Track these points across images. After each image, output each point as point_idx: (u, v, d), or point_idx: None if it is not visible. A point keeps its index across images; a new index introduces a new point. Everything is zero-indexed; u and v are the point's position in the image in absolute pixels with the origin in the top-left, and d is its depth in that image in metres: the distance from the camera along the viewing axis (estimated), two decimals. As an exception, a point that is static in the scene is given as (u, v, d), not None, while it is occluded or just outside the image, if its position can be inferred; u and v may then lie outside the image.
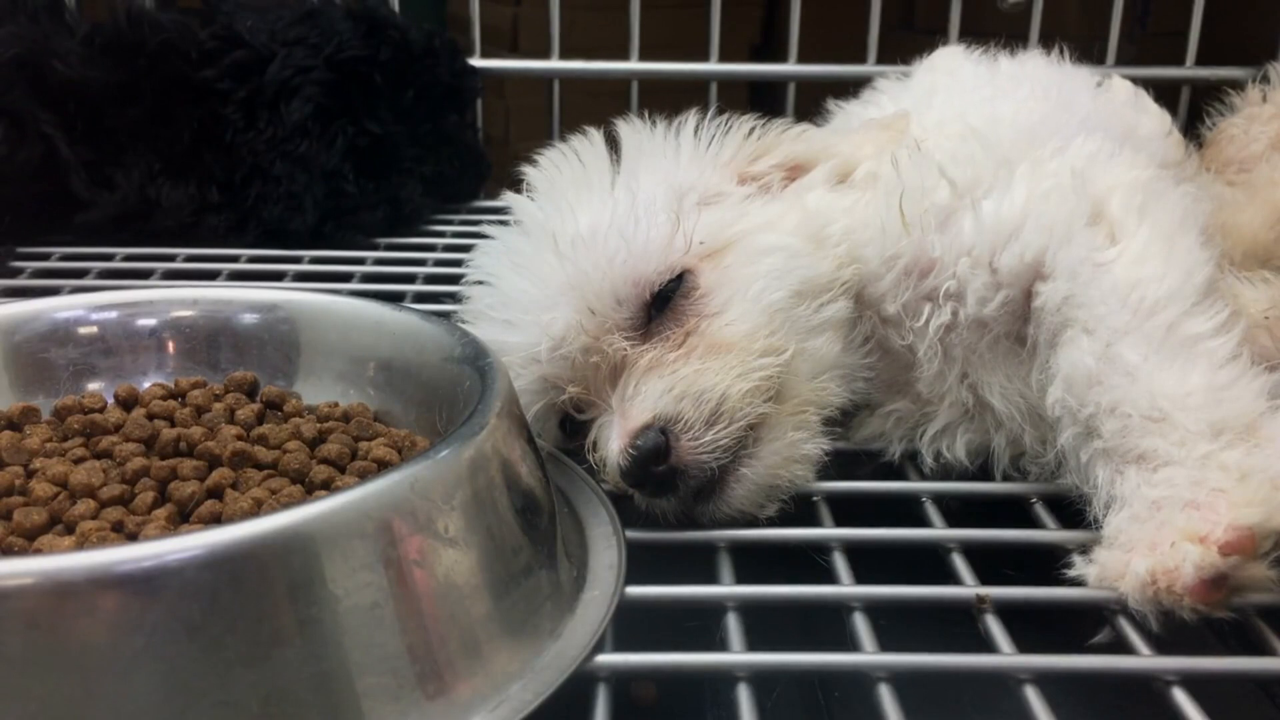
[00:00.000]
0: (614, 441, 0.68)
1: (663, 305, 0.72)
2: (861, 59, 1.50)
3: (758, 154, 0.82)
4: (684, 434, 0.67)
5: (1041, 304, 0.70)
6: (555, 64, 1.54)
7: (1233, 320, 0.67)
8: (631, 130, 0.81)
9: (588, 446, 0.72)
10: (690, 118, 0.82)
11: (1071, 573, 0.63)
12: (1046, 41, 1.15)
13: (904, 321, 0.75)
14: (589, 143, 0.80)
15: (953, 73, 1.05)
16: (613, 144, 0.80)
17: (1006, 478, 0.76)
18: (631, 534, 0.65)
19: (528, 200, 0.79)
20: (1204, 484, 0.60)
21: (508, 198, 0.82)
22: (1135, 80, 1.13)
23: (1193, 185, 0.88)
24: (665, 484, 0.67)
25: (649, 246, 0.72)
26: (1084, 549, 0.64)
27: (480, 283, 0.78)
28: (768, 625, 0.61)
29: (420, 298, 1.08)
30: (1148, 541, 0.60)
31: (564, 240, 0.72)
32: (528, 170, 0.81)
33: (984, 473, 0.76)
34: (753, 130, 0.83)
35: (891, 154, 0.78)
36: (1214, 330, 0.66)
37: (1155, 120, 1.07)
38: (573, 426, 0.74)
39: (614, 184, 0.76)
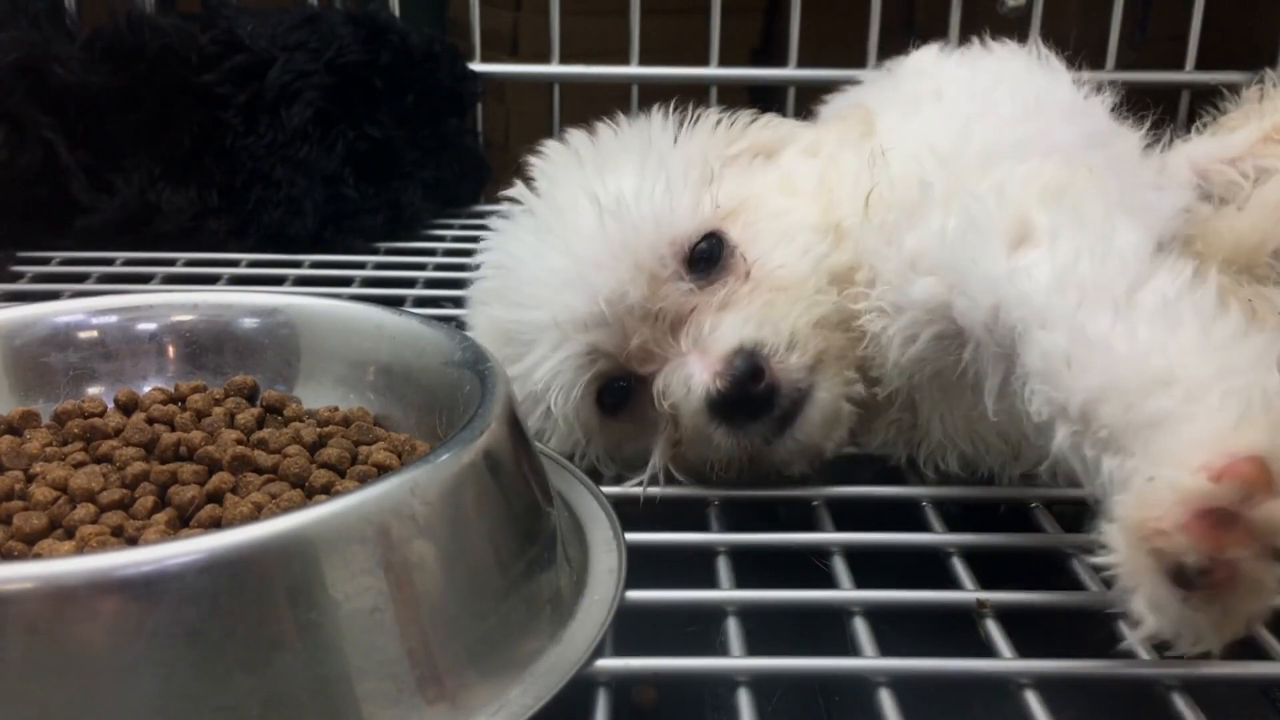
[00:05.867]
0: (697, 376, 0.69)
1: (705, 261, 0.74)
2: (861, 63, 1.49)
3: (729, 142, 0.84)
4: (771, 356, 0.69)
5: (969, 323, 0.65)
6: (555, 68, 1.54)
7: (1200, 275, 0.59)
8: (641, 122, 0.83)
9: (657, 395, 0.71)
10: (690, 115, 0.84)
11: (1095, 561, 0.55)
12: (1046, 46, 1.14)
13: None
14: (612, 129, 0.81)
15: (938, 88, 1.00)
16: None
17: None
18: (631, 538, 0.65)
19: (553, 173, 0.80)
20: (1210, 422, 0.51)
21: (517, 189, 0.81)
22: (1135, 85, 1.12)
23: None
24: (759, 407, 0.69)
25: (681, 208, 0.74)
26: (1085, 552, 0.64)
27: (499, 266, 0.78)
28: (768, 629, 0.61)
29: (420, 302, 1.09)
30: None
31: (608, 201, 0.73)
32: (553, 146, 0.82)
33: (985, 477, 0.76)
34: (720, 121, 0.85)
35: (857, 157, 0.79)
36: (1184, 287, 0.58)
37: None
38: (613, 399, 0.74)
39: (645, 154, 0.77)
